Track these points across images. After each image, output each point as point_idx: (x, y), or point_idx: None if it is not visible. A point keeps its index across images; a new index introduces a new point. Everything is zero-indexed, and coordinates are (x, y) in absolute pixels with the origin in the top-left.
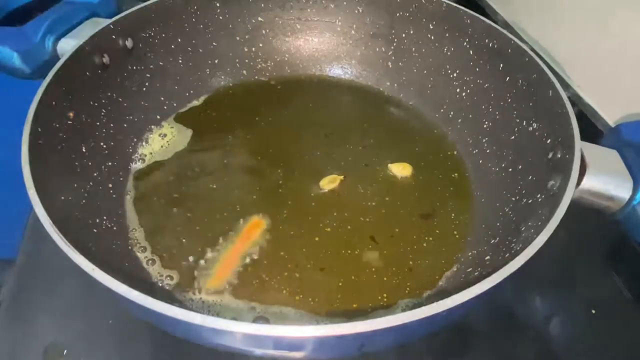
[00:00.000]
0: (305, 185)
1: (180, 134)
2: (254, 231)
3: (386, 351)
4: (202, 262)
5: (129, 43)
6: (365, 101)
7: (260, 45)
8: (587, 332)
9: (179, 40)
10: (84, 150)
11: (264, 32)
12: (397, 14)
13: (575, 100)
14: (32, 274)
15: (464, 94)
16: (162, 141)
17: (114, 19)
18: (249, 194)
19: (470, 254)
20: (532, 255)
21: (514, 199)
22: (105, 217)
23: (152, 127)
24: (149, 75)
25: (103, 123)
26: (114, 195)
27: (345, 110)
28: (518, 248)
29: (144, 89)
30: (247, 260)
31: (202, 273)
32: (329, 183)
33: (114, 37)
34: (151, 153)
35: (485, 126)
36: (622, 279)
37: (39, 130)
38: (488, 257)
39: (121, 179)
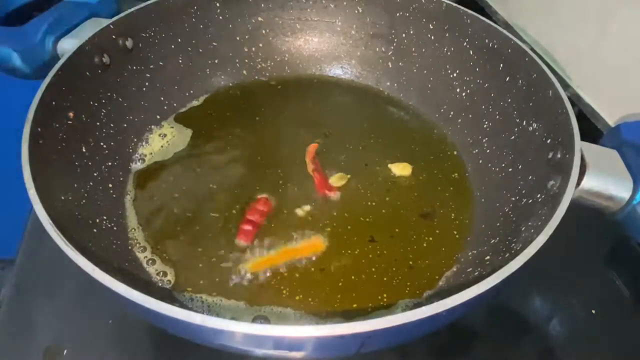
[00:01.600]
0: (305, 185)
1: (180, 134)
2: (311, 248)
3: (386, 351)
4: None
5: (129, 43)
6: (365, 101)
7: (260, 45)
8: (587, 332)
9: (179, 40)
10: (84, 150)
11: (264, 32)
12: (397, 14)
13: (575, 100)
14: (32, 274)
15: (464, 94)
16: (162, 141)
17: (114, 19)
18: (249, 194)
19: (470, 254)
20: (532, 255)
21: (514, 199)
22: (105, 217)
23: (152, 127)
24: (149, 75)
25: (103, 123)
26: (114, 195)
27: (345, 110)
28: (518, 248)
29: (144, 89)
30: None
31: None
32: (337, 181)
33: (114, 37)
34: (151, 153)
35: (485, 126)
36: (622, 279)
37: (39, 130)
38: (488, 257)
39: (121, 179)
